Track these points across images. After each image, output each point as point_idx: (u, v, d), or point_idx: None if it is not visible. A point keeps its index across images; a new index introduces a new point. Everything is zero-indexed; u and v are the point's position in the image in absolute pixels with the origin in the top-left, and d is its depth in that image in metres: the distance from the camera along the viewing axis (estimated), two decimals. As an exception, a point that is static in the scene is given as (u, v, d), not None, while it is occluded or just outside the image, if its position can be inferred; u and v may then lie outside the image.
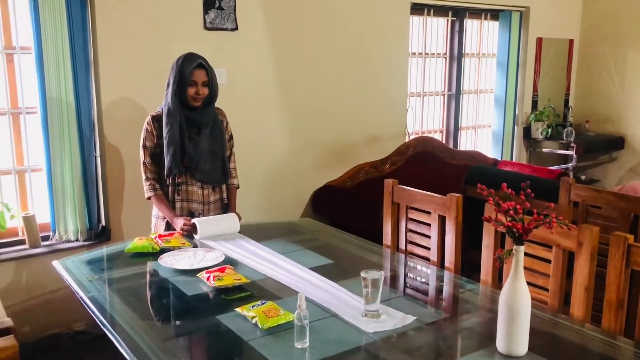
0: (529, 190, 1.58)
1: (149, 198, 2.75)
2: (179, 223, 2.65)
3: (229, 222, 2.72)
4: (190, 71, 2.63)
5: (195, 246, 2.52)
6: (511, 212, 1.57)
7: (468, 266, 2.62)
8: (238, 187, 2.96)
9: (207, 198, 2.80)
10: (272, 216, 3.91)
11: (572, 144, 5.33)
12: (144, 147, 2.74)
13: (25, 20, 3.03)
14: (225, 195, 2.90)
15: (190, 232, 2.64)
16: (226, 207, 2.91)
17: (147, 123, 2.74)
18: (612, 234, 1.88)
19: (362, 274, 1.80)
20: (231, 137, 2.93)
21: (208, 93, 2.70)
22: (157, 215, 2.81)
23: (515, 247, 1.57)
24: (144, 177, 2.75)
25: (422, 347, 1.75)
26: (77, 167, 3.20)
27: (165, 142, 2.66)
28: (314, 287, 2.06)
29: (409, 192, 2.66)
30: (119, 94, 3.28)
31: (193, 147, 2.69)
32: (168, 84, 2.68)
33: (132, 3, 3.24)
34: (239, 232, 2.70)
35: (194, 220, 2.64)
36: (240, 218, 2.76)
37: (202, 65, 2.67)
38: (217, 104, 2.84)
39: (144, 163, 2.74)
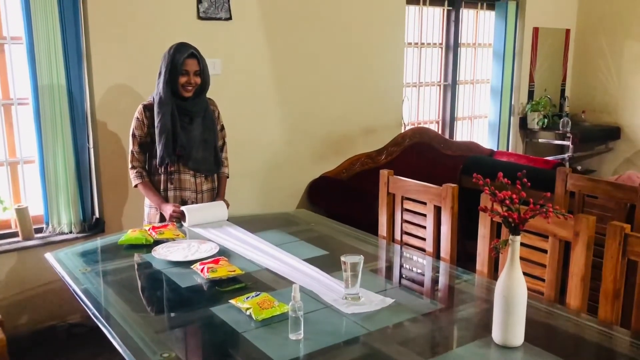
0: (525, 179, 1.56)
1: (136, 186, 2.77)
2: (168, 209, 2.65)
3: (217, 209, 2.72)
4: (182, 61, 2.62)
5: (184, 233, 2.51)
6: (507, 201, 1.55)
7: (463, 257, 2.61)
8: (228, 177, 2.96)
9: (199, 186, 2.79)
10: (267, 207, 3.89)
11: (568, 134, 5.33)
12: (133, 135, 2.74)
13: (16, 9, 2.99)
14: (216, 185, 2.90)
15: (179, 219, 2.63)
16: (216, 195, 2.90)
17: (139, 112, 2.74)
18: (609, 223, 1.87)
19: (342, 258, 1.83)
20: (223, 128, 2.93)
21: (200, 82, 2.68)
22: (149, 205, 2.80)
23: (511, 237, 1.56)
24: (130, 165, 2.76)
25: (417, 338, 1.74)
26: (70, 158, 3.17)
27: (157, 132, 2.66)
28: (309, 279, 2.04)
29: (404, 183, 2.65)
30: (112, 85, 3.25)
31: (185, 135, 2.69)
32: (160, 74, 2.68)
33: (125, -8, 3.21)
34: (227, 219, 2.70)
35: (182, 208, 2.64)
36: (228, 205, 2.76)
37: (194, 55, 2.67)
38: (211, 94, 2.82)
39: (132, 152, 2.75)
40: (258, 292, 1.84)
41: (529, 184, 1.56)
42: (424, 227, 2.56)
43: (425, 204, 2.55)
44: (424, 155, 4.59)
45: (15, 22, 3.04)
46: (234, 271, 2.05)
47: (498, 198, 1.56)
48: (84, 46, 3.15)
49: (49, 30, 3.00)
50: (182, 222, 2.64)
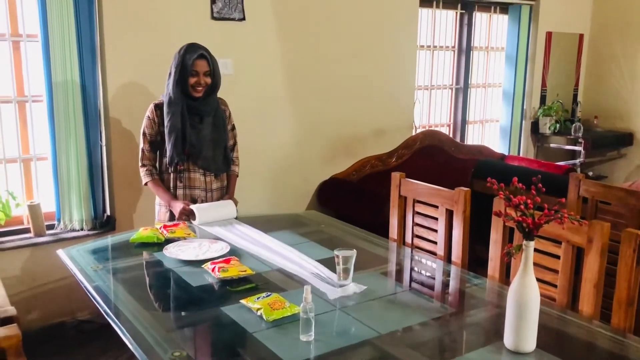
0: (539, 184, 1.55)
1: (146, 184, 2.79)
2: (178, 207, 2.67)
3: (226, 208, 2.74)
4: (192, 61, 2.64)
5: (195, 232, 2.52)
6: (522, 206, 1.54)
7: (474, 261, 2.60)
8: (238, 176, 2.97)
9: (209, 185, 2.80)
10: (277, 208, 3.89)
11: (580, 140, 5.29)
12: (144, 134, 2.77)
13: (32, 7, 3.01)
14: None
15: (188, 216, 2.65)
16: (225, 194, 2.91)
17: (150, 111, 2.76)
18: (624, 230, 1.85)
19: (335, 252, 1.94)
20: (233, 127, 2.94)
21: (210, 83, 2.70)
22: (160, 203, 2.82)
23: (525, 242, 1.55)
24: (140, 163, 2.79)
25: (428, 342, 1.73)
26: (83, 155, 3.19)
27: (166, 131, 2.69)
28: (320, 280, 2.04)
29: (416, 186, 2.64)
30: (126, 83, 3.26)
31: (195, 135, 2.71)
32: (170, 74, 2.71)
33: (139, -9, 3.22)
34: (237, 219, 2.72)
35: (191, 206, 2.64)
36: (236, 203, 2.79)
37: (204, 56, 2.68)
38: (223, 94, 2.83)
39: (142, 150, 2.78)
40: (269, 293, 1.84)
41: (544, 189, 1.55)
42: (435, 231, 2.55)
43: (437, 207, 2.54)
44: (434, 158, 4.57)
45: (31, 19, 3.06)
46: (245, 271, 2.06)
47: (513, 203, 1.55)
48: (98, 44, 3.17)
49: (64, 28, 3.02)
50: (192, 221, 2.65)
